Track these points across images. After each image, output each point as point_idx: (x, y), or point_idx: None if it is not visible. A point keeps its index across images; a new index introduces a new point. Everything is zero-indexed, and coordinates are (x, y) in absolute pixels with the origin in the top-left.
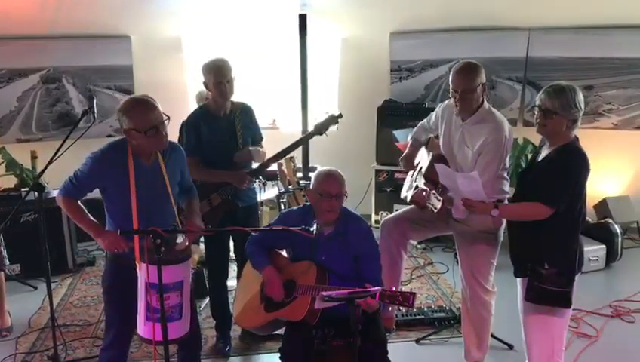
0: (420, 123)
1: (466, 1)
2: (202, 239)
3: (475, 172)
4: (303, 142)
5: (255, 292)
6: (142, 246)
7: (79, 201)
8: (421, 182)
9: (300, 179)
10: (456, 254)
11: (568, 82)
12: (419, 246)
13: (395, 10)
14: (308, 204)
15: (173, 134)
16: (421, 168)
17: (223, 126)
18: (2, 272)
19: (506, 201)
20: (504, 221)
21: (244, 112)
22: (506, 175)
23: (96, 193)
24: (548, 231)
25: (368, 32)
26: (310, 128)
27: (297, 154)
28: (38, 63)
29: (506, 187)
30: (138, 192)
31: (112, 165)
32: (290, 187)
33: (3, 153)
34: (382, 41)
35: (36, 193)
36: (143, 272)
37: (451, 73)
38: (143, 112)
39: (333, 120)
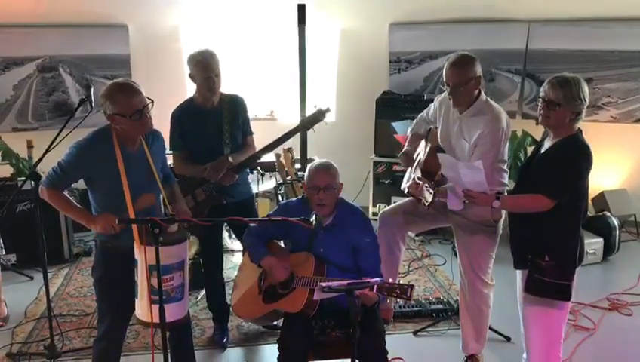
0: (419, 115)
1: None
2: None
3: (479, 161)
4: (287, 137)
5: (253, 283)
6: (140, 229)
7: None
8: (417, 175)
9: (298, 170)
10: (454, 246)
11: (574, 74)
12: (416, 238)
13: (395, 1)
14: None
15: (166, 123)
16: (419, 160)
17: (209, 120)
18: None
19: (506, 193)
20: (503, 213)
21: (234, 104)
22: (504, 167)
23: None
24: (549, 223)
25: (367, 23)
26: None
27: (295, 145)
28: (35, 52)
29: (505, 179)
30: (127, 179)
31: (98, 153)
32: (288, 178)
33: None
34: (381, 32)
35: (32, 182)
36: (142, 255)
37: (445, 66)
38: (126, 97)
39: (320, 115)
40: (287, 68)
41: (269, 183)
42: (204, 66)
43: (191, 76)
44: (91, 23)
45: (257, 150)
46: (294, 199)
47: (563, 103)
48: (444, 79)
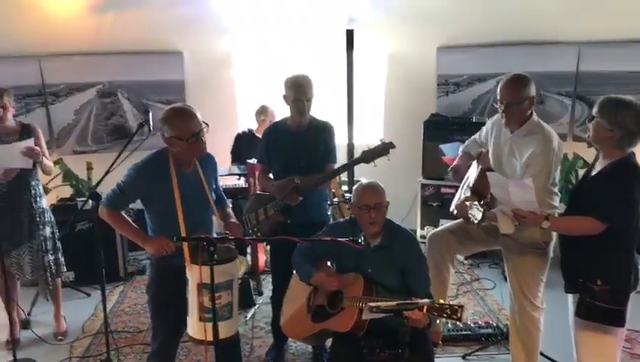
0: (472, 137)
1: (513, 15)
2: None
3: (529, 179)
4: (349, 168)
5: (302, 302)
6: (193, 249)
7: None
8: (467, 195)
9: (346, 192)
10: (503, 270)
11: (631, 96)
12: (465, 261)
13: (442, 24)
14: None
15: (224, 145)
16: (470, 181)
17: (292, 140)
18: (59, 279)
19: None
20: (554, 236)
21: (320, 130)
22: (555, 189)
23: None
24: (601, 246)
25: (415, 46)
26: (357, 151)
27: None
28: (95, 78)
29: (556, 202)
30: (181, 199)
31: (155, 174)
32: (335, 200)
33: (60, 164)
34: (429, 55)
35: (92, 202)
36: (194, 274)
37: (499, 85)
38: (184, 121)
39: (384, 150)
40: (334, 91)
41: None
42: (296, 89)
43: (284, 97)
44: (148, 50)
45: (320, 176)
46: (342, 220)
47: (612, 126)
48: (498, 97)
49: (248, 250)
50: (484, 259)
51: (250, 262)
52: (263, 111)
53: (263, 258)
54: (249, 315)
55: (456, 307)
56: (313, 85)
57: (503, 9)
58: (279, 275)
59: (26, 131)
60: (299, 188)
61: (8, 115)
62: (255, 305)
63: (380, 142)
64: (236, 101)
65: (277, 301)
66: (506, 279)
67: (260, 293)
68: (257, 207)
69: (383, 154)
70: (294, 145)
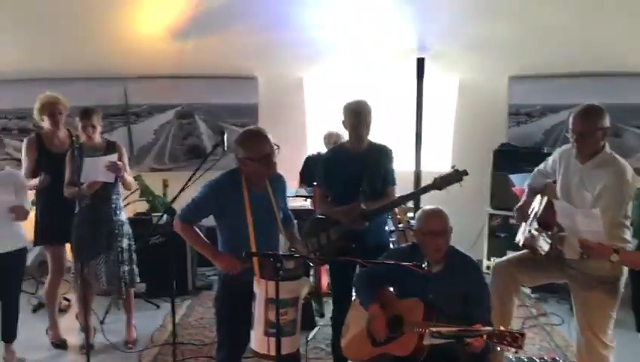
0: (536, 168)
1: (588, 45)
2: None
3: (597, 209)
4: (419, 194)
5: (363, 325)
6: (262, 265)
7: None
8: (534, 226)
9: (411, 218)
10: (572, 306)
11: None
12: (532, 295)
13: (515, 53)
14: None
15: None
16: (536, 213)
17: (352, 165)
18: (133, 289)
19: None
20: (625, 269)
21: (379, 154)
22: (627, 222)
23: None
24: None
25: (486, 75)
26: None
27: None
28: (175, 100)
29: (628, 236)
30: (251, 216)
31: (227, 191)
32: (400, 226)
33: (139, 180)
34: (500, 84)
35: (167, 217)
36: (262, 289)
37: (571, 115)
38: (256, 142)
39: (457, 177)
40: (403, 118)
41: None
42: (355, 115)
43: (343, 123)
44: (225, 74)
45: (387, 202)
46: (404, 245)
47: None
48: (570, 127)
49: (311, 272)
50: (552, 293)
51: (313, 284)
52: (331, 137)
53: (325, 280)
54: (310, 336)
55: (517, 334)
56: (372, 111)
57: (578, 39)
58: (340, 297)
59: (110, 148)
60: (365, 214)
61: (96, 133)
62: (316, 326)
63: (452, 169)
64: (306, 125)
65: (337, 323)
66: (574, 314)
67: (322, 315)
68: (319, 231)
69: (455, 181)
70: (355, 170)
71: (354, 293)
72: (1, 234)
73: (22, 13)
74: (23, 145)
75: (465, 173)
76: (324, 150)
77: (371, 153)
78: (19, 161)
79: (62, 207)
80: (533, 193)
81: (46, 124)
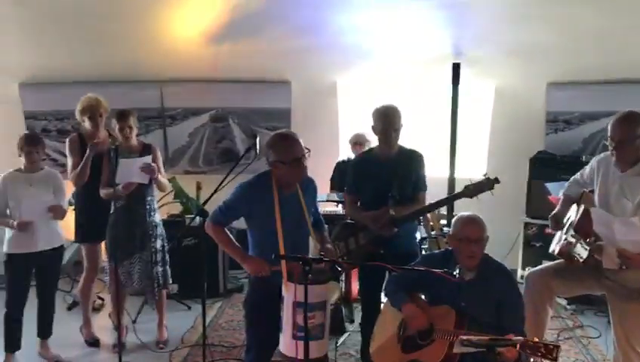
0: (572, 177)
1: (627, 52)
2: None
3: (637, 218)
4: (449, 201)
5: (393, 332)
6: (291, 268)
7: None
8: (570, 235)
9: (444, 226)
10: (609, 319)
11: None
12: (568, 306)
13: (553, 60)
14: (450, 248)
15: (325, 171)
16: (572, 222)
17: (382, 170)
18: (165, 290)
19: None
20: None
21: (410, 159)
22: None
23: (240, 224)
24: None
25: (524, 81)
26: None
27: None
28: (209, 104)
29: None
30: (281, 219)
31: (258, 194)
32: (433, 233)
33: (173, 183)
34: (538, 91)
35: (200, 219)
36: (290, 292)
37: (611, 121)
38: (287, 146)
39: (488, 185)
40: (438, 124)
41: None
42: (384, 120)
43: (372, 128)
44: (259, 79)
45: (417, 208)
46: (437, 251)
47: None
48: (609, 134)
49: (342, 277)
50: (589, 305)
51: (343, 289)
52: (358, 139)
53: (355, 286)
54: (339, 341)
55: (552, 346)
56: (401, 115)
57: (617, 45)
58: (368, 304)
59: (146, 150)
60: (395, 220)
61: (133, 135)
62: (346, 332)
63: (483, 177)
64: (339, 129)
65: (366, 329)
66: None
67: (352, 321)
68: (347, 236)
69: (486, 189)
70: (385, 175)
71: (383, 300)
72: (40, 233)
73: (63, 19)
74: (67, 145)
75: (496, 181)
76: (352, 155)
77: (401, 158)
78: (56, 161)
79: (99, 207)
80: (569, 202)
81: (87, 125)
